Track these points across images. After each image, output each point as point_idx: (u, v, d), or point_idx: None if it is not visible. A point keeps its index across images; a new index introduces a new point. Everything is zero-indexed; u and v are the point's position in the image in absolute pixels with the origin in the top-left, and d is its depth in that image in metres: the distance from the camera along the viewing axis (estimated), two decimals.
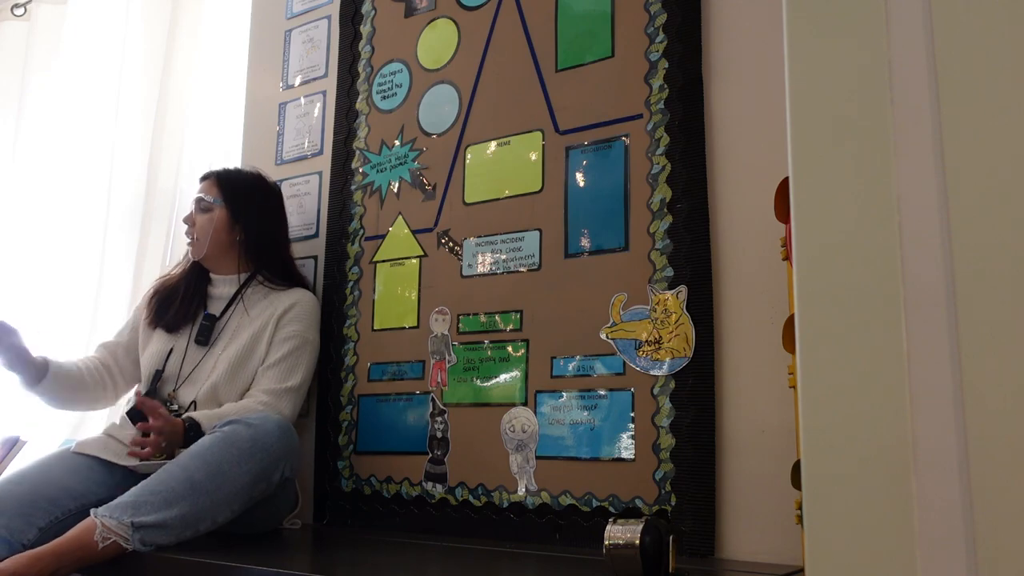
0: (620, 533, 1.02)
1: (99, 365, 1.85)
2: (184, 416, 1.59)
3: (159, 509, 1.35)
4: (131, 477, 1.58)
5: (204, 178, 1.90)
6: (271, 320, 1.77)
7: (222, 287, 1.86)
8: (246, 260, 1.86)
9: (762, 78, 1.47)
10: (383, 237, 1.91)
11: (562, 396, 1.58)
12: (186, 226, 1.87)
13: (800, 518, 1.03)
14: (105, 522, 1.32)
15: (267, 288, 1.85)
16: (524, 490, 1.59)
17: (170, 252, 2.48)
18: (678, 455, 1.43)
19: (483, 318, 1.71)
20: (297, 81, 2.17)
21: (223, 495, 1.42)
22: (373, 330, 1.88)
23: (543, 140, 1.70)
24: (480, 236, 1.75)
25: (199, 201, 1.85)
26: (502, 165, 1.75)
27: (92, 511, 1.35)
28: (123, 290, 2.46)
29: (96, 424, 2.22)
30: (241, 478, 1.44)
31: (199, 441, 1.48)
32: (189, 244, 1.86)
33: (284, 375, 1.72)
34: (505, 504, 1.61)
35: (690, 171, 1.51)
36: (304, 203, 2.09)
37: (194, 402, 1.72)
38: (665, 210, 1.52)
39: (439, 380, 1.75)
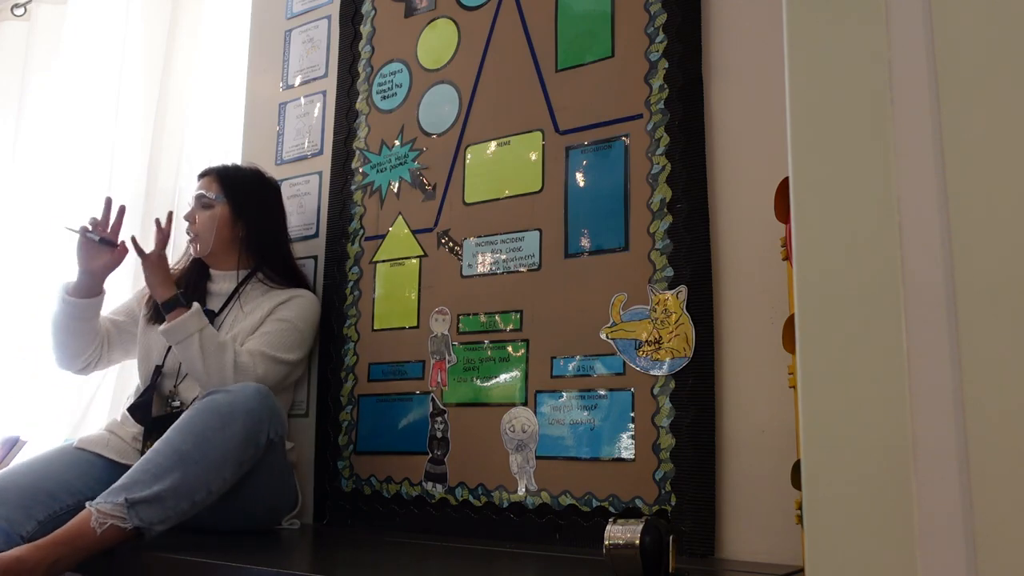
0: (620, 533, 1.02)
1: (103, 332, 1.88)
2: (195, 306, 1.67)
3: (151, 484, 1.36)
4: None
5: (203, 175, 1.89)
6: (265, 309, 1.78)
7: (222, 283, 1.87)
8: (247, 256, 1.86)
9: (762, 78, 1.47)
10: (383, 237, 1.91)
11: (562, 396, 1.58)
12: (187, 223, 1.87)
13: (800, 518, 1.03)
14: (100, 508, 1.32)
15: (266, 286, 1.85)
16: (524, 490, 1.59)
17: (171, 252, 2.48)
18: (678, 455, 1.43)
19: (483, 318, 1.71)
20: (297, 81, 2.18)
21: (212, 461, 1.42)
22: (373, 330, 1.88)
23: (543, 140, 1.70)
24: (480, 236, 1.75)
25: (200, 198, 1.85)
26: (502, 165, 1.75)
27: (87, 503, 1.35)
28: (123, 290, 2.46)
29: (97, 422, 2.22)
30: (227, 442, 1.44)
31: (181, 416, 1.49)
32: (191, 241, 1.87)
33: (269, 343, 1.72)
34: (505, 504, 1.61)
35: (690, 171, 1.51)
36: (304, 203, 2.09)
37: (197, 398, 1.72)
38: (665, 210, 1.52)
39: (439, 380, 1.75)
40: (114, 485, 1.38)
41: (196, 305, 1.67)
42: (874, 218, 0.67)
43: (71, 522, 1.33)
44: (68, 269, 2.57)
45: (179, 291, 1.69)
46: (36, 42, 2.83)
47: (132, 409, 1.73)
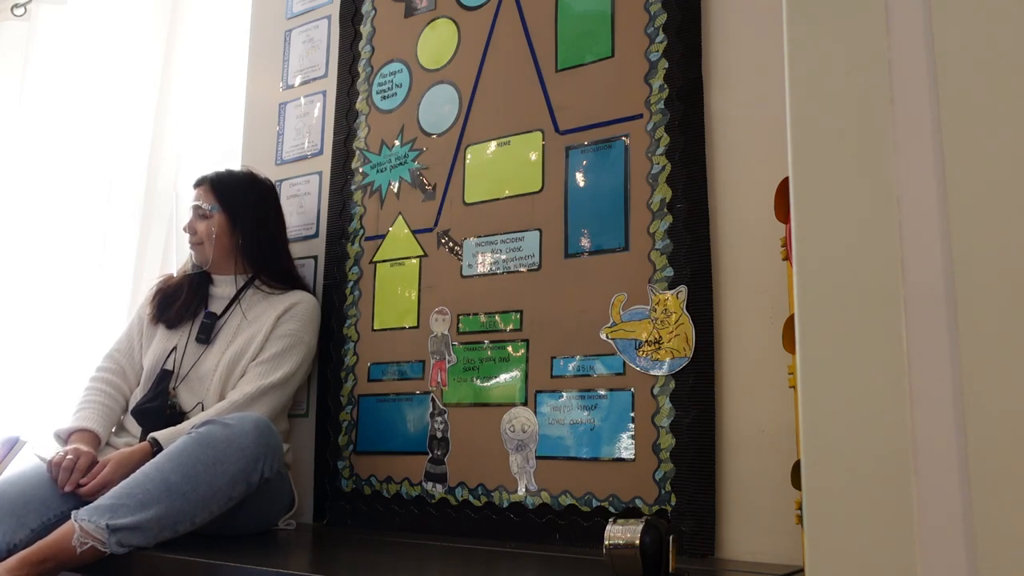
0: (620, 533, 1.02)
1: (116, 382, 1.82)
2: (149, 437, 1.60)
3: (135, 511, 1.36)
4: None
5: (198, 184, 1.89)
6: (269, 320, 1.78)
7: (223, 287, 1.87)
8: (245, 262, 1.86)
9: (762, 78, 1.47)
10: (383, 237, 1.91)
11: (562, 396, 1.58)
12: (188, 234, 1.87)
13: (800, 518, 1.03)
14: (84, 526, 1.33)
15: (266, 292, 1.85)
16: (524, 490, 1.59)
17: (174, 252, 2.48)
18: (678, 455, 1.43)
19: (483, 318, 1.71)
20: (297, 81, 2.18)
21: (199, 497, 1.42)
22: (373, 330, 1.88)
23: (543, 140, 1.70)
24: (480, 236, 1.75)
25: (196, 209, 1.86)
26: (502, 165, 1.75)
27: (72, 513, 1.36)
28: (123, 290, 2.46)
29: None
30: (217, 479, 1.44)
31: (175, 443, 1.48)
32: (192, 252, 1.87)
33: (269, 371, 1.72)
34: (505, 504, 1.61)
35: (690, 171, 1.51)
36: (304, 203, 2.09)
37: (200, 404, 1.72)
38: (665, 210, 1.52)
39: (439, 380, 1.75)
40: (102, 501, 1.38)
41: (157, 437, 1.58)
42: (874, 218, 0.67)
43: (54, 535, 1.34)
44: (66, 269, 2.58)
45: (149, 439, 1.59)
46: (36, 42, 2.84)
47: (139, 414, 1.72)
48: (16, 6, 2.90)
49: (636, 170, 1.57)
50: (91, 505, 1.37)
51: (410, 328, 1.82)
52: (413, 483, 1.74)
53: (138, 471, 1.44)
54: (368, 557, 1.44)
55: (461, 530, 1.65)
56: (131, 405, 1.78)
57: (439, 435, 1.73)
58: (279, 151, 2.17)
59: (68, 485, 1.53)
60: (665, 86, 1.56)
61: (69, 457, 1.56)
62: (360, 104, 2.02)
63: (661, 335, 1.49)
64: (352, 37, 2.07)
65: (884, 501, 0.63)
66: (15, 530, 1.46)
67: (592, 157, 1.63)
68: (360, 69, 2.04)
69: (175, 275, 1.96)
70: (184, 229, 1.88)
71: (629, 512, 1.45)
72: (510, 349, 1.67)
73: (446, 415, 1.73)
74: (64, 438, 1.68)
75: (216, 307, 1.84)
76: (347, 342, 1.92)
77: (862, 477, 0.65)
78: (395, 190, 1.91)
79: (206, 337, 1.79)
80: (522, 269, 1.68)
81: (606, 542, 1.02)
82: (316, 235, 2.05)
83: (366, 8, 2.06)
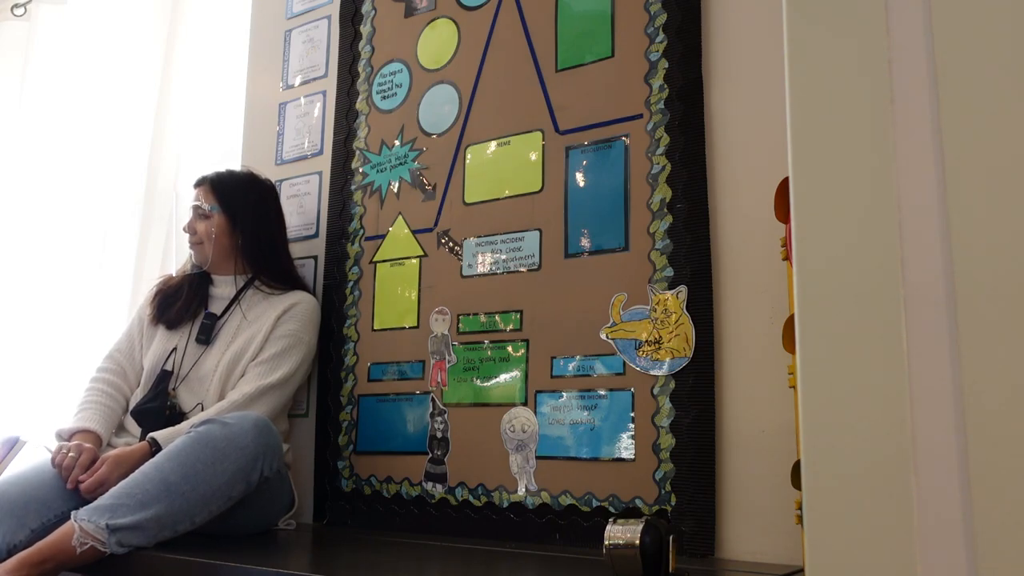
0: (620, 533, 1.02)
1: (117, 383, 1.82)
2: (148, 437, 1.60)
3: (134, 511, 1.36)
4: None
5: (198, 184, 1.89)
6: (269, 320, 1.78)
7: (223, 287, 1.87)
8: (244, 263, 1.86)
9: (762, 78, 1.47)
10: (383, 237, 1.91)
11: (562, 396, 1.58)
12: (187, 234, 1.87)
13: (800, 518, 1.03)
14: (83, 526, 1.33)
15: (266, 292, 1.85)
16: (524, 490, 1.59)
17: (174, 252, 2.48)
18: (678, 455, 1.43)
19: (483, 318, 1.71)
20: (297, 81, 2.18)
21: (198, 496, 1.42)
22: (373, 330, 1.88)
23: (543, 140, 1.70)
24: (480, 236, 1.75)
25: (196, 209, 1.85)
26: (502, 165, 1.75)
27: (72, 513, 1.36)
28: (123, 290, 2.46)
29: None
30: (216, 479, 1.44)
31: (175, 442, 1.48)
32: (192, 252, 1.87)
33: (269, 371, 1.72)
34: (505, 504, 1.61)
35: (690, 171, 1.51)
36: (304, 203, 2.09)
37: (200, 404, 1.72)
38: (665, 210, 1.52)
39: (439, 380, 1.75)
40: (102, 501, 1.38)
41: (156, 437, 1.59)
42: (874, 218, 0.67)
43: (54, 535, 1.34)
44: (66, 269, 2.58)
45: (148, 439, 1.59)
46: (36, 42, 2.84)
47: (139, 414, 1.72)
48: (16, 6, 2.90)
49: (636, 170, 1.57)
50: (91, 505, 1.37)
51: (410, 328, 1.82)
52: (413, 483, 1.74)
53: (137, 471, 1.44)
54: (368, 557, 1.44)
55: (461, 530, 1.65)
56: (131, 405, 1.78)
57: (439, 435, 1.73)
58: (279, 151, 2.17)
59: (69, 483, 1.53)
60: (665, 86, 1.56)
61: (71, 455, 1.56)
62: (360, 104, 2.02)
63: (661, 335, 1.49)
64: (352, 37, 2.07)
65: (884, 501, 0.63)
66: (15, 530, 1.46)
67: (592, 157, 1.63)
68: (360, 69, 2.04)
69: (175, 275, 1.96)
70: (184, 229, 1.88)
71: (629, 512, 1.45)
72: (510, 349, 1.67)
73: (446, 415, 1.73)
74: (66, 439, 1.68)
75: (216, 307, 1.84)
76: (347, 342, 1.92)
77: (862, 477, 0.65)
78: (395, 190, 1.91)
79: (206, 338, 1.79)
80: (522, 269, 1.68)
81: (606, 542, 1.02)
82: (316, 235, 2.05)
83: (366, 8, 2.06)
